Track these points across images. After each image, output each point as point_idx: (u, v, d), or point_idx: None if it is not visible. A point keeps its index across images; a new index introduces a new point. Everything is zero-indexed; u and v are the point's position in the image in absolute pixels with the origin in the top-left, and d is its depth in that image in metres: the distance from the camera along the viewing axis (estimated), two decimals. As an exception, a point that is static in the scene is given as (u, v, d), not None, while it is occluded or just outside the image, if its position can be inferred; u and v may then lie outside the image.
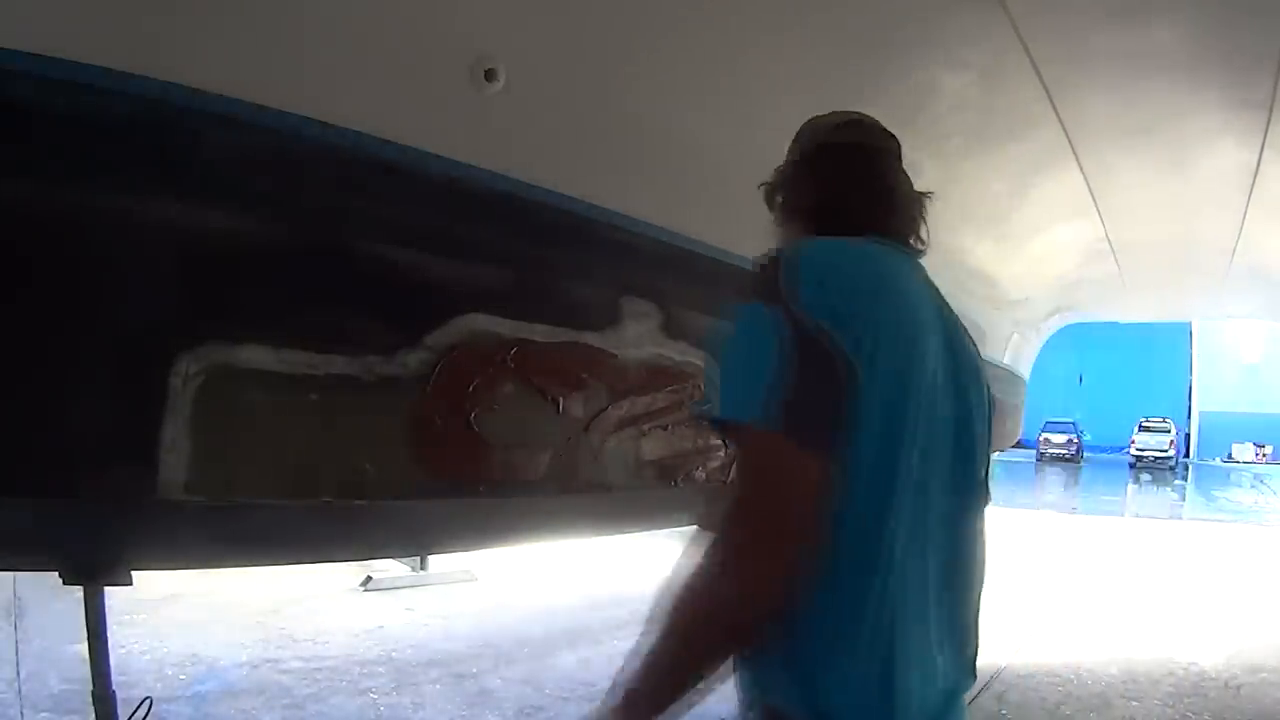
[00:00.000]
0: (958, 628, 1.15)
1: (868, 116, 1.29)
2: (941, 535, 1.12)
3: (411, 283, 1.91)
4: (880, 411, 1.01)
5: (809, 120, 1.30)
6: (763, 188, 1.30)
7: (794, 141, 1.30)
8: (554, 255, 2.20)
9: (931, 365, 1.08)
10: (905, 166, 1.30)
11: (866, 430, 1.00)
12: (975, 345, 1.23)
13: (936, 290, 1.20)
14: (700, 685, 1.07)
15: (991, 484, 1.25)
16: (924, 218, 1.26)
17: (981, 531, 1.22)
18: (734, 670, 1.11)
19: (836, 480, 0.99)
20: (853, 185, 1.22)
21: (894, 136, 1.28)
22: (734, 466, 1.04)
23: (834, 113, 1.30)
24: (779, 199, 1.27)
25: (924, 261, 1.25)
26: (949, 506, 1.13)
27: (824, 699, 1.02)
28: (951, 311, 1.21)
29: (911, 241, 1.24)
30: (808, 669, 1.03)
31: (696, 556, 1.02)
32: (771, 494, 1.00)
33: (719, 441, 1.02)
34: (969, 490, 1.17)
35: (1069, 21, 2.67)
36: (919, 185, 1.30)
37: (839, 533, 1.01)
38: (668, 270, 2.48)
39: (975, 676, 1.19)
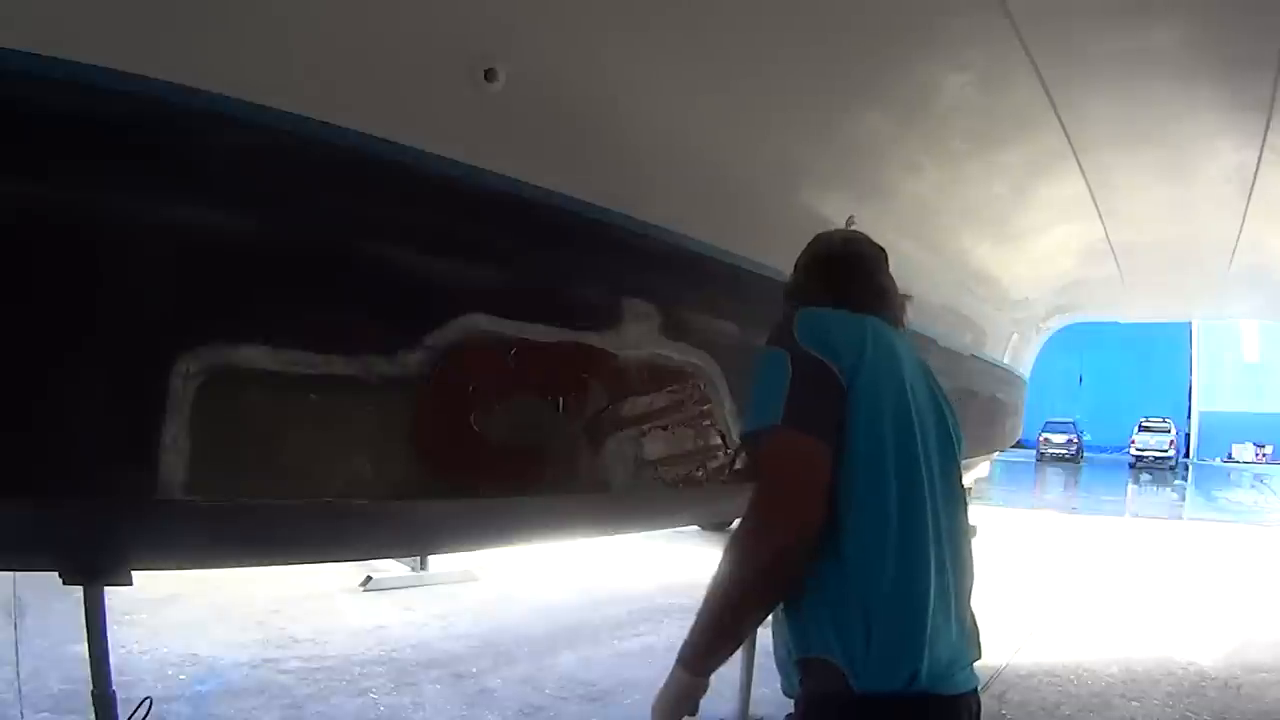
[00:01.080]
0: (957, 605, 1.40)
1: (863, 234, 1.74)
2: (940, 524, 1.39)
3: (411, 283, 1.91)
4: (870, 415, 1.36)
5: (817, 236, 1.74)
6: (784, 288, 1.71)
7: (804, 252, 1.72)
8: (554, 255, 2.19)
9: (911, 390, 1.43)
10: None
11: (861, 427, 1.35)
12: (943, 388, 1.59)
13: (914, 350, 1.57)
14: (744, 634, 1.43)
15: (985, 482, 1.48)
16: (905, 310, 1.68)
17: (968, 525, 1.51)
18: (777, 630, 1.43)
19: (839, 462, 1.32)
20: (854, 285, 1.61)
21: (883, 249, 1.70)
22: (760, 462, 1.36)
23: (838, 230, 1.76)
24: (797, 298, 1.64)
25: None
26: (943, 502, 1.42)
27: (857, 648, 1.29)
28: (925, 362, 1.58)
29: (895, 324, 1.61)
30: (840, 625, 1.31)
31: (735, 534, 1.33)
32: (790, 469, 1.33)
33: (749, 457, 1.45)
34: (955, 491, 1.48)
35: (1069, 23, 2.66)
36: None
37: (850, 507, 1.32)
38: (668, 270, 2.48)
39: (980, 650, 1.45)
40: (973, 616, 1.46)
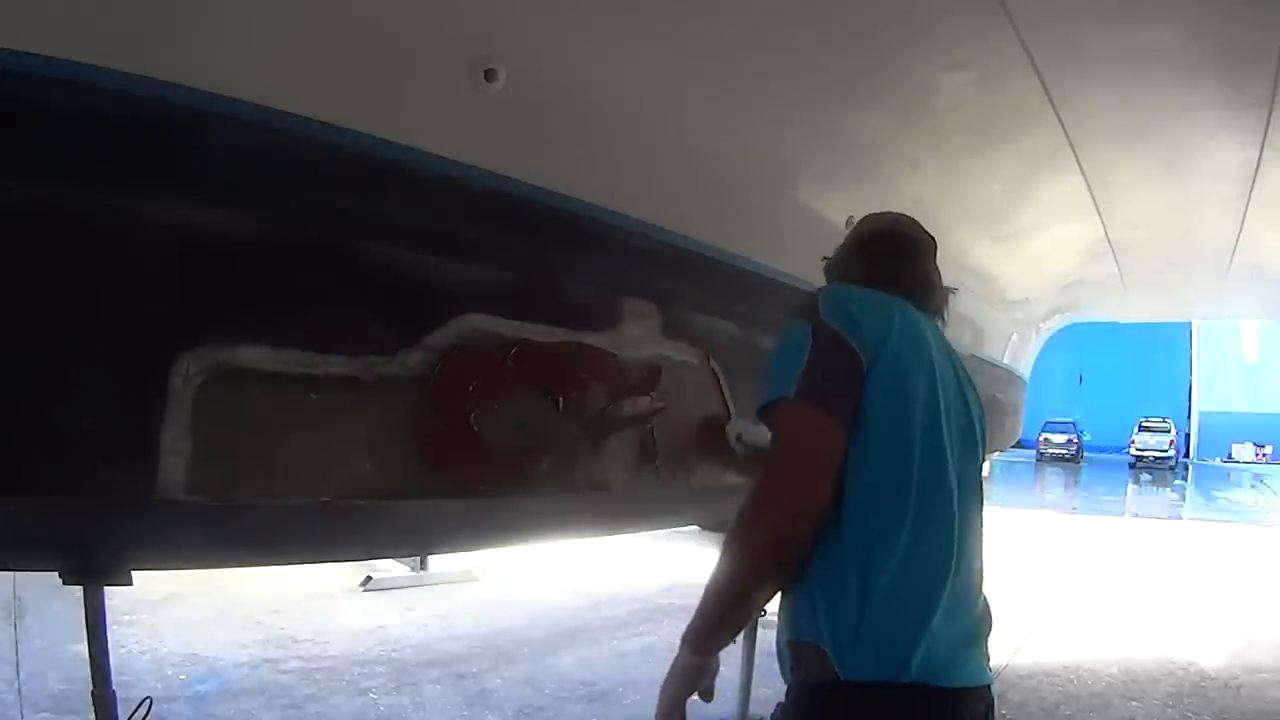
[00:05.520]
0: (966, 599, 1.39)
1: (915, 220, 1.71)
2: (955, 510, 1.37)
3: (411, 283, 1.91)
4: (891, 398, 1.33)
5: (868, 216, 1.72)
6: (824, 262, 1.70)
7: (853, 230, 1.71)
8: (554, 255, 2.19)
9: (937, 378, 1.39)
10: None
11: (877, 406, 1.32)
12: (974, 381, 1.56)
13: (947, 341, 1.53)
14: (745, 615, 1.40)
15: (985, 482, 1.53)
16: (948, 304, 1.65)
17: (982, 513, 1.49)
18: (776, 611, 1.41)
19: (849, 440, 1.30)
20: (896, 267, 1.59)
21: (933, 239, 1.69)
22: (773, 435, 1.35)
23: (888, 213, 1.72)
24: (837, 272, 1.66)
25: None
26: (961, 489, 1.39)
27: (845, 634, 1.27)
28: (957, 354, 1.54)
29: (933, 315, 1.59)
30: (833, 608, 1.29)
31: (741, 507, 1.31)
32: (797, 444, 1.32)
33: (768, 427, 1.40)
34: (974, 480, 1.46)
35: (1068, 20, 2.67)
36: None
37: (861, 490, 1.30)
38: (668, 270, 2.48)
39: (987, 643, 1.44)
40: (985, 607, 1.44)
